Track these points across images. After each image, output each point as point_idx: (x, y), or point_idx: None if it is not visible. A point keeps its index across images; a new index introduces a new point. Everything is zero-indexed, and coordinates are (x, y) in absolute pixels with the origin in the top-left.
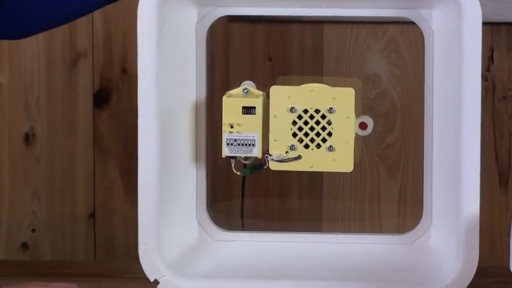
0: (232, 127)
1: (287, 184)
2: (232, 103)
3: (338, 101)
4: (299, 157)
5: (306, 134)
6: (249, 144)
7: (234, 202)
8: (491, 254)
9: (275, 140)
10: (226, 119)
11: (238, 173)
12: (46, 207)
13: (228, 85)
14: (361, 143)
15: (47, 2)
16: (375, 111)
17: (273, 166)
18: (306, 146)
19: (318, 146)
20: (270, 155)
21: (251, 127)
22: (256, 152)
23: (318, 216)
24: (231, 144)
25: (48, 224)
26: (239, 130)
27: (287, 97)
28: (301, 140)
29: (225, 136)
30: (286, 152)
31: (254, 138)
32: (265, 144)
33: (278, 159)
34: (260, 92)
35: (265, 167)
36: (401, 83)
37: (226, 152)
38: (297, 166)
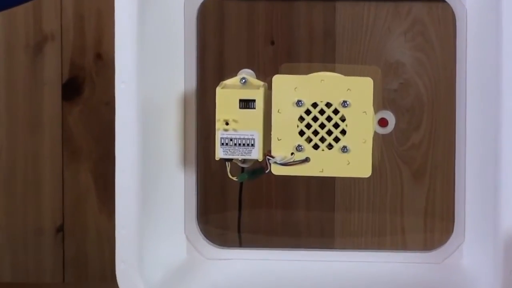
0: (227, 124)
1: (293, 192)
2: (227, 95)
3: (353, 93)
4: (307, 160)
5: (316, 133)
6: (248, 144)
7: (230, 214)
8: None
9: (278, 140)
10: (220, 114)
11: (235, 178)
12: (6, 219)
13: (222, 75)
14: (380, 143)
15: None
16: (397, 105)
17: (276, 170)
18: (316, 147)
19: (330, 146)
20: (273, 157)
21: (250, 124)
22: (256, 154)
23: (329, 231)
24: (226, 144)
25: (8, 239)
26: (236, 128)
27: (292, 88)
28: (309, 140)
29: (219, 134)
30: (292, 153)
31: (254, 137)
32: (266, 144)
33: (282, 162)
34: (261, 83)
35: (266, 171)
36: (428, 72)
37: (220, 153)
38: (304, 171)
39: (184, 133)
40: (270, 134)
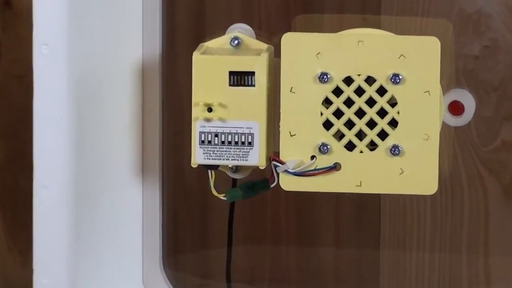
0: (210, 110)
1: (314, 218)
2: (210, 65)
3: (410, 62)
4: (336, 167)
5: (350, 124)
6: (243, 143)
7: (214, 253)
8: None
9: (291, 135)
10: (198, 96)
11: (222, 196)
12: None
13: (202, 33)
14: (452, 141)
15: None
16: (479, 80)
17: (288, 183)
18: (350, 147)
19: (372, 146)
20: (282, 163)
21: (246, 111)
22: (256, 158)
23: (371, 278)
24: (209, 142)
25: None
26: (224, 116)
27: (313, 55)
28: (339, 136)
29: (197, 127)
30: (312, 157)
31: (252, 131)
32: (272, 143)
33: (297, 170)
34: (264, 45)
35: (272, 185)
36: None
37: (198, 157)
38: (332, 184)
39: (142, 125)
40: (278, 127)
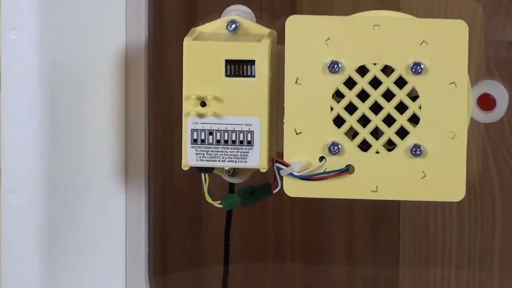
0: (203, 104)
1: (323, 229)
2: (203, 52)
3: (433, 49)
4: (348, 170)
5: (364, 121)
6: (241, 142)
7: (208, 270)
8: None
9: (296, 133)
10: (190, 88)
11: (217, 204)
12: None
13: (194, 16)
14: (482, 139)
15: None
16: None
17: (293, 189)
18: (364, 146)
19: (390, 145)
20: (286, 165)
21: (244, 105)
22: (256, 159)
23: None
24: (202, 141)
25: None
26: (219, 111)
27: (323, 40)
28: (352, 133)
29: (189, 123)
30: (321, 158)
31: (252, 129)
32: (275, 142)
33: (304, 174)
34: (266, 30)
35: (275, 191)
36: None
37: (190, 158)
38: (344, 190)
39: (125, 122)
40: (281, 124)
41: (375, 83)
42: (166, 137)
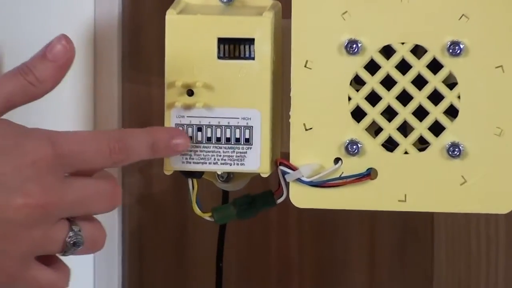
0: (191, 93)
1: (338, 247)
2: (190, 29)
3: (474, 26)
4: (369, 175)
5: (390, 114)
6: (237, 140)
7: None
8: None
9: (306, 129)
10: (173, 73)
11: (208, 217)
12: None
13: None
14: None
15: None
16: None
17: (301, 198)
18: (390, 146)
19: (422, 144)
20: (293, 168)
21: (241, 94)
22: (255, 161)
23: None
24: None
25: None
26: (211, 102)
27: (338, 15)
28: (375, 129)
29: (173, 116)
30: (337, 160)
31: (250, 124)
32: (278, 140)
33: (315, 179)
34: (268, 1)
35: (279, 200)
36: None
37: (174, 160)
38: (364, 199)
39: (94, 114)
40: (287, 117)
41: (403, 67)
42: None
